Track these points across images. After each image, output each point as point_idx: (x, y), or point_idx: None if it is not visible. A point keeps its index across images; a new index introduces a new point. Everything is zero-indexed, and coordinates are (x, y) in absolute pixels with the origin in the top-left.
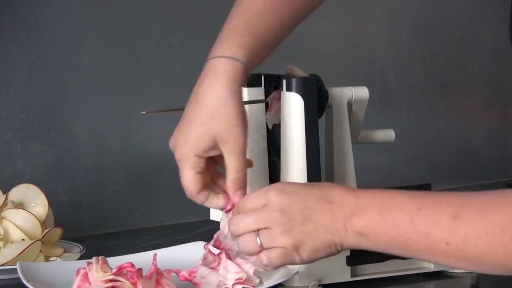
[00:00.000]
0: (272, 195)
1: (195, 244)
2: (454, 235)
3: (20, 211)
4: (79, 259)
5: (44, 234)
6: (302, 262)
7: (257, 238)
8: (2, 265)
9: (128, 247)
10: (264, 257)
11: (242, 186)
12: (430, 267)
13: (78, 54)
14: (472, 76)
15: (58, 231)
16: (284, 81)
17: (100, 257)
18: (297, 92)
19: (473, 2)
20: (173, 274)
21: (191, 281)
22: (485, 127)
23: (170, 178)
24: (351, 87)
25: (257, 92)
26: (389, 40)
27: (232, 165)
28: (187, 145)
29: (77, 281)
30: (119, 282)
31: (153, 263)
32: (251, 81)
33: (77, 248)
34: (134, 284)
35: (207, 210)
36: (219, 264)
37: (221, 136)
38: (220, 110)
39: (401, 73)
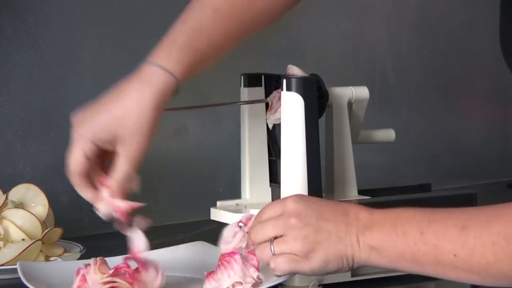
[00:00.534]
0: (289, 202)
1: (195, 244)
2: (462, 246)
3: (20, 211)
4: (79, 259)
5: (44, 234)
6: (311, 271)
7: (271, 246)
8: (2, 265)
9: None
10: (272, 261)
11: (121, 191)
12: None
13: (78, 54)
14: (472, 76)
15: (58, 231)
16: (284, 81)
17: (98, 258)
18: (297, 92)
19: (473, 2)
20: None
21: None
22: (485, 126)
23: (171, 177)
24: (351, 87)
25: (257, 92)
26: (389, 40)
27: (121, 167)
28: (88, 129)
29: (77, 281)
30: (117, 283)
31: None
32: (252, 81)
33: (77, 248)
34: (132, 284)
35: (207, 210)
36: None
37: (123, 138)
38: (136, 116)
39: (401, 72)
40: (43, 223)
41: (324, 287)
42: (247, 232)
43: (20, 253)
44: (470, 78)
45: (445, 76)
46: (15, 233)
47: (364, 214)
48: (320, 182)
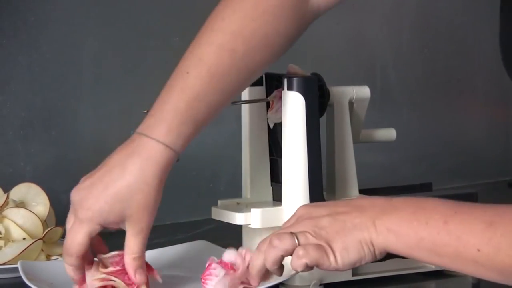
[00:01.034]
0: (300, 210)
1: (196, 243)
2: (487, 242)
3: (21, 210)
4: None
5: (45, 233)
6: (336, 264)
7: (294, 237)
8: (3, 264)
9: None
10: (300, 249)
11: (141, 265)
12: (431, 266)
13: (79, 53)
14: (472, 75)
15: (59, 230)
16: (285, 80)
17: (103, 257)
18: (298, 91)
19: (473, 1)
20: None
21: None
22: (485, 126)
23: (171, 176)
24: (352, 86)
25: (258, 91)
26: (390, 39)
27: (132, 246)
28: (95, 211)
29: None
30: (112, 282)
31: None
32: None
33: None
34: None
35: (208, 209)
36: None
37: (131, 218)
38: (141, 195)
39: (402, 72)
40: (44, 222)
41: (325, 287)
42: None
43: (21, 252)
44: (470, 78)
45: (445, 75)
46: (16, 232)
47: (381, 201)
48: (321, 181)
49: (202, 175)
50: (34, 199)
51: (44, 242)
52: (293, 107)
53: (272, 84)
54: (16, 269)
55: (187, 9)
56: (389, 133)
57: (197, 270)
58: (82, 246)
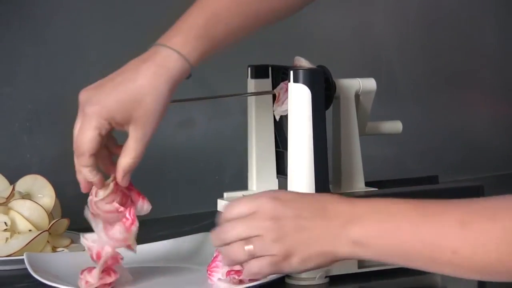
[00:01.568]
0: (264, 201)
1: (202, 235)
2: (462, 243)
3: (27, 202)
4: (85, 250)
5: (51, 225)
6: (292, 271)
7: (246, 247)
8: (9, 255)
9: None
10: (254, 265)
11: (130, 172)
12: None
13: (85, 46)
14: (478, 69)
15: (65, 222)
16: (292, 72)
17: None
18: (305, 83)
19: None
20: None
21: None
22: (491, 119)
23: (177, 169)
24: (358, 79)
25: (264, 84)
26: (395, 32)
27: (132, 149)
28: (104, 106)
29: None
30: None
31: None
32: (259, 72)
33: None
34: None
35: (214, 202)
36: None
37: (138, 120)
38: (151, 99)
39: (407, 65)
40: (50, 214)
41: (331, 279)
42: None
43: (27, 244)
44: (476, 71)
45: (451, 68)
46: (22, 224)
47: (344, 207)
48: (327, 174)
49: (208, 168)
50: (40, 191)
51: (50, 234)
52: (299, 99)
53: (278, 77)
54: (22, 261)
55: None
56: (395, 126)
57: (204, 262)
58: (92, 142)
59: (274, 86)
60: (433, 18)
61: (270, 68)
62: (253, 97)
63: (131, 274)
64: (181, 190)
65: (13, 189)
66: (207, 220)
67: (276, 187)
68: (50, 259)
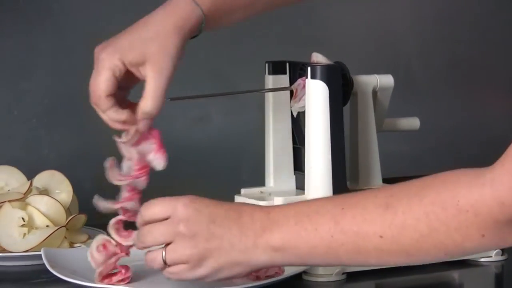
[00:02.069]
0: (179, 207)
1: None
2: (389, 225)
3: (45, 198)
4: None
5: (69, 221)
6: (204, 278)
7: (163, 253)
8: (27, 251)
9: None
10: (167, 273)
11: (152, 117)
12: None
13: (102, 40)
14: (496, 64)
15: (82, 218)
16: (309, 68)
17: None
18: (322, 79)
19: None
20: None
21: None
22: (509, 115)
23: (194, 165)
24: (376, 75)
25: (282, 80)
26: (413, 28)
27: (151, 90)
28: (116, 48)
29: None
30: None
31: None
32: (276, 68)
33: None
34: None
35: (231, 198)
36: None
37: (153, 57)
38: (161, 37)
39: (426, 61)
40: (67, 210)
41: (348, 275)
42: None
43: (45, 239)
44: (495, 67)
45: (469, 64)
46: (40, 220)
47: (259, 214)
48: (344, 170)
49: (225, 164)
50: (58, 187)
51: (67, 229)
52: (317, 95)
53: (295, 73)
54: (39, 256)
55: None
56: (412, 122)
57: None
58: (107, 83)
59: (292, 82)
60: (451, 13)
61: (287, 64)
62: (271, 93)
63: (147, 270)
64: (198, 186)
65: (31, 184)
66: None
67: (294, 184)
68: (67, 255)
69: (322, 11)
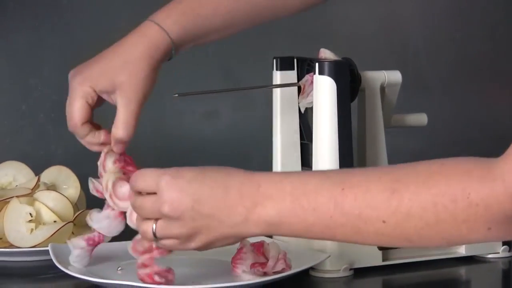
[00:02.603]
0: (163, 184)
1: None
2: (394, 211)
3: (52, 193)
4: (110, 241)
5: (76, 216)
6: (196, 250)
7: (153, 227)
8: (34, 246)
9: None
10: (157, 244)
11: (125, 141)
12: (462, 252)
13: (110, 36)
14: (505, 60)
15: None
16: (317, 64)
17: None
18: (330, 75)
19: None
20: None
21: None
22: None
23: (202, 160)
24: (384, 71)
25: (290, 76)
26: (422, 24)
27: (122, 117)
28: (86, 75)
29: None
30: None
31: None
32: (284, 64)
33: None
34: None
35: None
36: None
37: (122, 85)
38: (132, 64)
39: (434, 57)
40: (75, 205)
41: (355, 271)
42: None
43: (52, 235)
44: (503, 63)
45: (478, 60)
46: (47, 215)
47: (249, 189)
48: (352, 166)
49: (233, 159)
50: (65, 182)
51: (74, 225)
52: (324, 91)
53: (303, 69)
54: (46, 252)
55: None
56: (420, 118)
57: (228, 254)
58: (81, 111)
59: (299, 78)
60: (460, 9)
61: (295, 60)
62: (278, 89)
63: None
64: None
65: (38, 180)
66: None
67: None
68: None
69: (330, 7)
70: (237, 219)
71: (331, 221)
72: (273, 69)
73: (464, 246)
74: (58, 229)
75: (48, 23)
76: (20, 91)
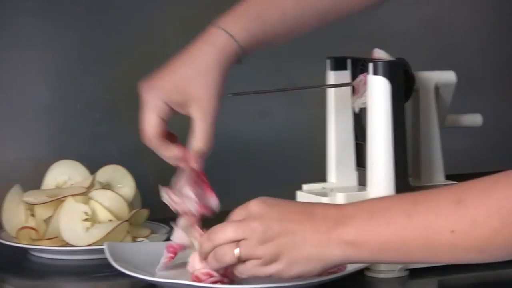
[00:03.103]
0: (252, 205)
1: None
2: (461, 219)
3: (108, 192)
4: (165, 240)
5: (131, 215)
6: (276, 274)
7: (236, 250)
8: (90, 245)
9: None
10: (239, 268)
11: (203, 156)
12: None
13: (164, 35)
14: None
15: (145, 212)
16: (371, 64)
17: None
18: (384, 75)
19: None
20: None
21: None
22: None
23: (256, 160)
24: (438, 71)
25: (344, 76)
26: (475, 24)
27: (199, 130)
28: (158, 88)
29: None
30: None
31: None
32: (338, 64)
33: (164, 229)
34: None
35: (292, 194)
36: None
37: (197, 99)
38: (204, 75)
39: (488, 56)
40: (130, 204)
41: (411, 272)
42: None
43: (107, 233)
44: None
45: None
46: (102, 214)
47: (332, 211)
48: (406, 167)
49: (287, 159)
50: (120, 181)
51: (130, 224)
52: (378, 92)
53: (357, 69)
54: (102, 251)
55: None
56: (475, 119)
57: None
58: (154, 126)
59: (353, 78)
60: None
61: (349, 60)
62: (332, 89)
63: None
64: (259, 182)
65: (94, 179)
66: None
67: (356, 179)
68: (130, 249)
69: (384, 7)
70: (320, 237)
71: (404, 234)
72: (327, 69)
73: None
74: (114, 228)
75: (102, 23)
76: (75, 90)
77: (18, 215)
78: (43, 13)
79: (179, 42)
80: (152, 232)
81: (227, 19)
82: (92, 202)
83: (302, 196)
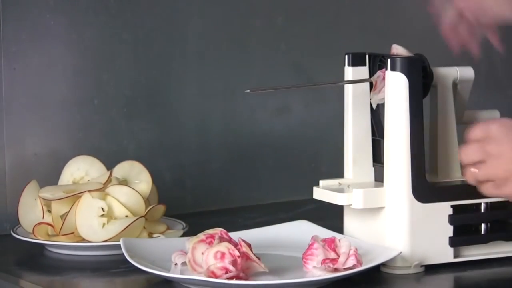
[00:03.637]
0: (493, 127)
1: (297, 223)
2: None
3: (124, 188)
4: (182, 236)
5: (148, 211)
6: (507, 196)
7: (472, 170)
8: (106, 241)
9: (231, 225)
10: (479, 187)
11: None
12: None
13: (183, 31)
14: None
15: (161, 208)
16: (389, 60)
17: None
18: (402, 71)
19: None
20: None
21: None
22: None
23: (274, 156)
24: (456, 67)
25: (362, 72)
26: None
27: None
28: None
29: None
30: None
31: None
32: (356, 60)
33: (180, 225)
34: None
35: (309, 189)
36: None
37: None
38: None
39: (506, 53)
40: (147, 200)
41: (426, 268)
42: None
43: (124, 229)
44: None
45: None
46: (119, 210)
47: None
48: (423, 163)
49: (304, 155)
50: (137, 177)
51: (146, 219)
52: (396, 87)
53: (375, 65)
54: (118, 246)
55: None
56: (492, 115)
57: (299, 249)
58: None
59: (371, 74)
60: None
61: (367, 56)
62: (350, 85)
63: None
64: (277, 178)
65: (110, 174)
66: (303, 208)
67: (372, 176)
68: (146, 245)
69: (402, 2)
70: None
71: None
72: (345, 65)
73: None
74: (130, 224)
75: (120, 18)
76: (93, 86)
77: (34, 211)
78: (62, 9)
79: (198, 39)
80: (168, 228)
81: None
82: (109, 198)
83: (318, 192)
